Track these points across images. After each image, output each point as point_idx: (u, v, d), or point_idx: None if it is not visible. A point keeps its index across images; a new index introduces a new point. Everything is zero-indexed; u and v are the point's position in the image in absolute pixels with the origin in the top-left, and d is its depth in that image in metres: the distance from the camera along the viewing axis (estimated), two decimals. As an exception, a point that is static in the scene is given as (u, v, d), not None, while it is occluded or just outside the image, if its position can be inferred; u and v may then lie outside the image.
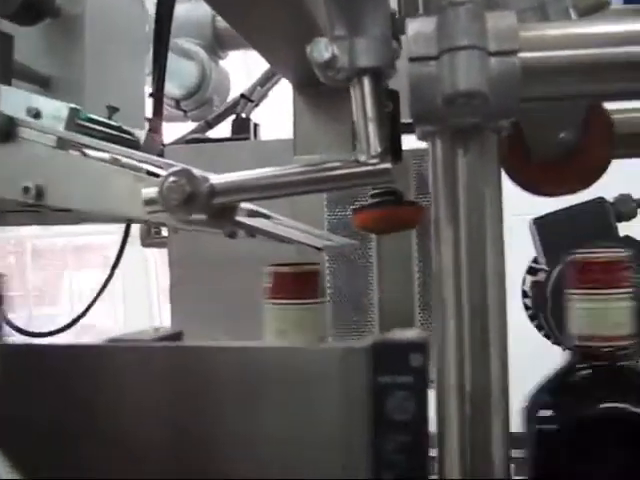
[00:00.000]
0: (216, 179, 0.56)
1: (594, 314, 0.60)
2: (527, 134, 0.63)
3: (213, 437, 0.50)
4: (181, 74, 1.61)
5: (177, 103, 1.69)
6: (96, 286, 1.30)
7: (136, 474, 0.50)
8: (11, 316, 1.17)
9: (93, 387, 0.50)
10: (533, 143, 0.64)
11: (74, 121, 0.72)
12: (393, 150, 0.56)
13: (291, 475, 0.49)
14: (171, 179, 0.55)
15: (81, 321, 1.27)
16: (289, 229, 0.71)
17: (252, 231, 0.64)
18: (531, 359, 1.87)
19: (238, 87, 1.68)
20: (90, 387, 0.51)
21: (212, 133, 1.63)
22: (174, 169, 0.55)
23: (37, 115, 0.71)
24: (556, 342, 1.03)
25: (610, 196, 1.06)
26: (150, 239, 1.53)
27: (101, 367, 0.50)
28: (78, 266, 4.70)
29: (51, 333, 1.22)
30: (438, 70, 0.48)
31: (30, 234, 4.84)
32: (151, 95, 1.15)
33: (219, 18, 1.61)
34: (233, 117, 1.55)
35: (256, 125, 1.53)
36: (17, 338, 1.21)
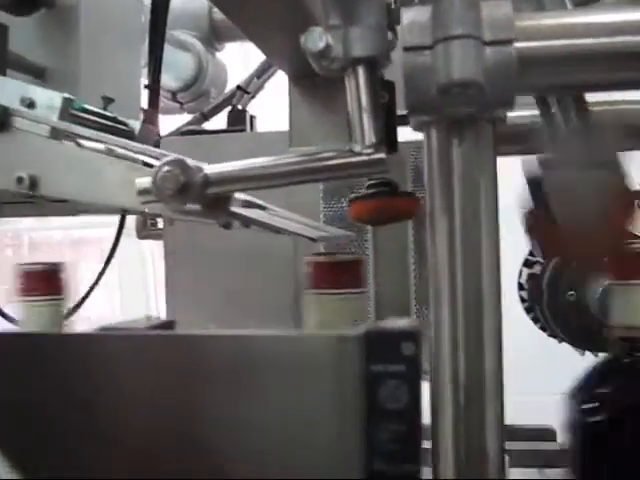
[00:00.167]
0: (210, 169, 0.56)
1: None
2: (553, 208, 0.63)
3: (204, 425, 0.50)
4: (177, 66, 1.61)
5: (173, 95, 1.68)
6: (93, 279, 1.30)
7: (127, 463, 0.50)
8: (7, 308, 1.17)
9: (84, 375, 0.50)
10: (559, 216, 0.63)
11: (68, 111, 0.71)
12: (389, 141, 0.56)
13: (284, 463, 0.48)
14: (165, 169, 0.54)
15: (79, 313, 1.27)
16: (284, 220, 0.71)
17: (247, 222, 0.64)
18: (527, 351, 1.87)
19: (235, 79, 1.68)
20: (81, 375, 0.50)
21: (208, 125, 1.62)
22: (168, 159, 0.55)
23: (31, 105, 0.71)
24: (552, 334, 1.03)
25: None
26: (146, 231, 1.52)
27: (92, 355, 0.50)
28: (75, 259, 4.69)
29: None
30: (433, 60, 0.48)
31: (27, 227, 4.83)
32: (147, 87, 1.14)
33: (216, 10, 1.60)
34: (229, 109, 1.55)
35: (252, 117, 1.52)
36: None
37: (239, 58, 1.91)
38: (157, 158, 0.63)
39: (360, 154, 0.53)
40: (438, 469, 0.51)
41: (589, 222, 0.62)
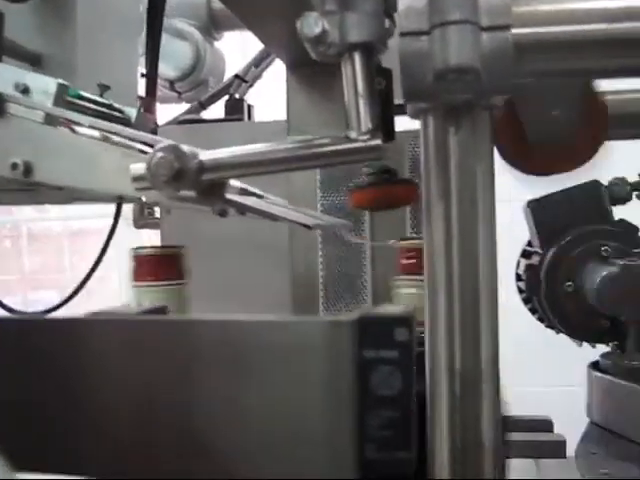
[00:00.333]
0: (205, 155, 0.55)
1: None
2: (521, 112, 0.63)
3: (194, 411, 0.49)
4: (175, 55, 1.60)
5: (171, 84, 1.68)
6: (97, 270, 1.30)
7: (114, 450, 0.50)
8: (6, 300, 1.17)
9: (72, 361, 0.50)
10: (527, 122, 0.63)
11: (63, 97, 0.71)
12: (385, 129, 0.55)
13: (275, 450, 0.48)
14: (159, 155, 0.54)
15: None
16: (281, 208, 0.71)
17: (242, 209, 0.63)
18: (524, 342, 1.87)
19: (234, 68, 1.67)
20: (69, 361, 0.50)
21: (206, 114, 1.62)
22: (162, 145, 0.54)
23: (25, 91, 0.70)
24: (549, 325, 1.03)
25: (605, 179, 1.06)
26: (143, 220, 1.52)
27: (81, 340, 0.50)
28: (74, 250, 4.69)
29: (42, 314, 1.21)
30: (429, 45, 0.48)
31: (26, 218, 4.83)
32: (144, 75, 1.14)
33: (215, -1, 1.60)
34: (226, 98, 1.54)
35: (250, 106, 1.52)
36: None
37: (238, 47, 1.91)
38: (152, 145, 0.63)
39: (356, 140, 0.53)
40: (434, 457, 0.51)
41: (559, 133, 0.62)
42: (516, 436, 0.99)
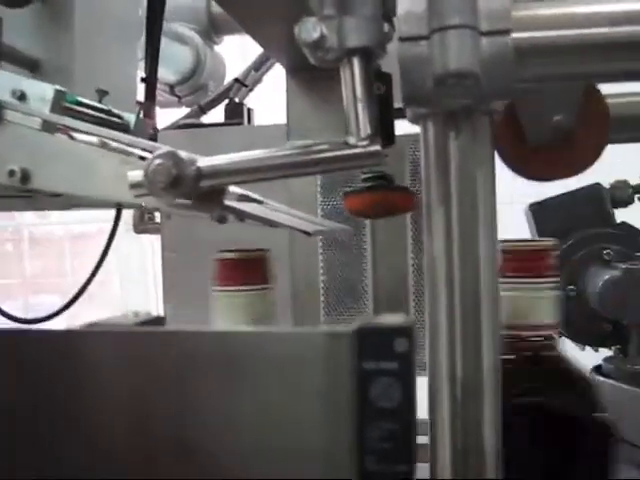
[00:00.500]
0: (203, 162, 0.55)
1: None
2: (521, 116, 0.62)
3: (191, 424, 0.49)
4: (175, 59, 1.60)
5: (171, 89, 1.68)
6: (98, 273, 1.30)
7: (111, 460, 0.49)
8: (6, 304, 1.17)
9: (66, 374, 0.49)
10: (527, 125, 0.63)
11: (60, 104, 0.71)
12: (385, 134, 0.55)
13: (273, 463, 0.48)
14: (157, 162, 0.53)
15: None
16: (280, 214, 0.71)
17: (241, 215, 0.63)
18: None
19: (234, 72, 1.67)
20: (62, 374, 0.49)
21: (206, 118, 1.62)
22: (160, 151, 0.54)
23: (22, 97, 0.70)
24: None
25: (606, 182, 1.06)
26: (143, 225, 1.52)
27: (75, 353, 0.49)
28: (76, 254, 4.70)
29: (42, 319, 1.21)
30: (429, 50, 0.47)
31: (27, 222, 4.85)
32: (143, 80, 1.14)
33: (214, 2, 1.60)
34: (226, 102, 1.54)
35: (250, 110, 1.52)
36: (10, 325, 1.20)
37: (238, 51, 1.91)
38: (151, 151, 0.62)
39: (355, 146, 0.53)
40: (435, 466, 0.50)
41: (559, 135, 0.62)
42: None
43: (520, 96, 0.56)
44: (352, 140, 0.53)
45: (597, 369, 0.96)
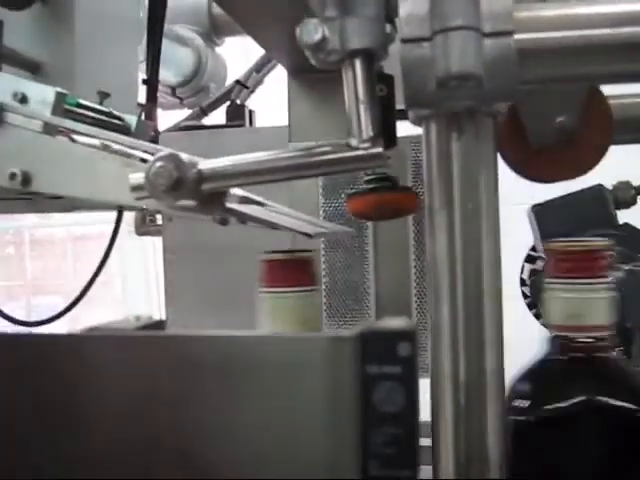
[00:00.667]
0: (204, 164, 0.55)
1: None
2: (524, 118, 0.62)
3: (193, 429, 0.49)
4: (177, 61, 1.60)
5: (173, 91, 1.68)
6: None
7: (109, 465, 0.49)
8: (8, 306, 1.17)
9: (67, 378, 0.49)
10: (530, 126, 0.63)
11: (61, 106, 0.71)
12: (387, 135, 0.55)
13: (277, 468, 0.48)
14: (158, 164, 0.53)
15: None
16: (282, 216, 0.70)
17: (242, 218, 0.63)
18: (528, 347, 1.87)
19: (236, 74, 1.67)
20: (64, 378, 0.49)
21: (207, 120, 1.62)
22: (161, 154, 0.54)
23: (23, 100, 0.70)
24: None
25: (609, 183, 1.05)
26: (145, 227, 1.52)
27: (76, 357, 0.49)
28: (77, 255, 4.70)
29: (44, 322, 1.21)
30: (431, 52, 0.47)
31: (29, 224, 4.85)
32: (145, 82, 1.14)
33: (215, 4, 1.60)
34: (228, 104, 1.54)
35: (251, 112, 1.52)
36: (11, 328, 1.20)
37: (240, 52, 1.90)
38: (152, 153, 0.62)
39: (357, 148, 0.52)
40: (438, 469, 0.50)
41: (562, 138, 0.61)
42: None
43: (523, 98, 0.55)
44: (354, 142, 0.53)
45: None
